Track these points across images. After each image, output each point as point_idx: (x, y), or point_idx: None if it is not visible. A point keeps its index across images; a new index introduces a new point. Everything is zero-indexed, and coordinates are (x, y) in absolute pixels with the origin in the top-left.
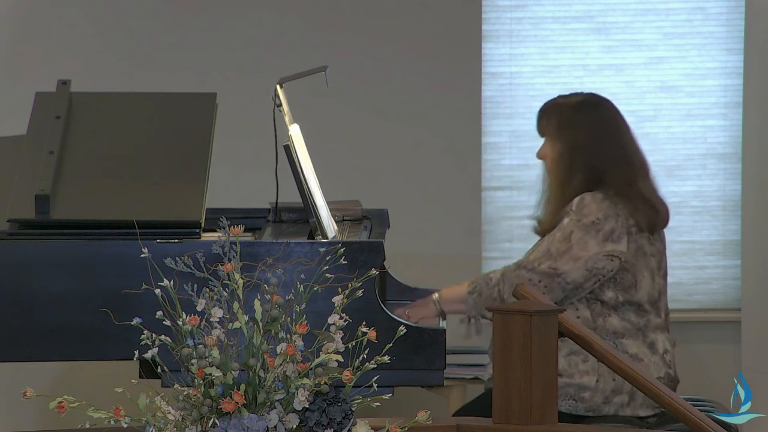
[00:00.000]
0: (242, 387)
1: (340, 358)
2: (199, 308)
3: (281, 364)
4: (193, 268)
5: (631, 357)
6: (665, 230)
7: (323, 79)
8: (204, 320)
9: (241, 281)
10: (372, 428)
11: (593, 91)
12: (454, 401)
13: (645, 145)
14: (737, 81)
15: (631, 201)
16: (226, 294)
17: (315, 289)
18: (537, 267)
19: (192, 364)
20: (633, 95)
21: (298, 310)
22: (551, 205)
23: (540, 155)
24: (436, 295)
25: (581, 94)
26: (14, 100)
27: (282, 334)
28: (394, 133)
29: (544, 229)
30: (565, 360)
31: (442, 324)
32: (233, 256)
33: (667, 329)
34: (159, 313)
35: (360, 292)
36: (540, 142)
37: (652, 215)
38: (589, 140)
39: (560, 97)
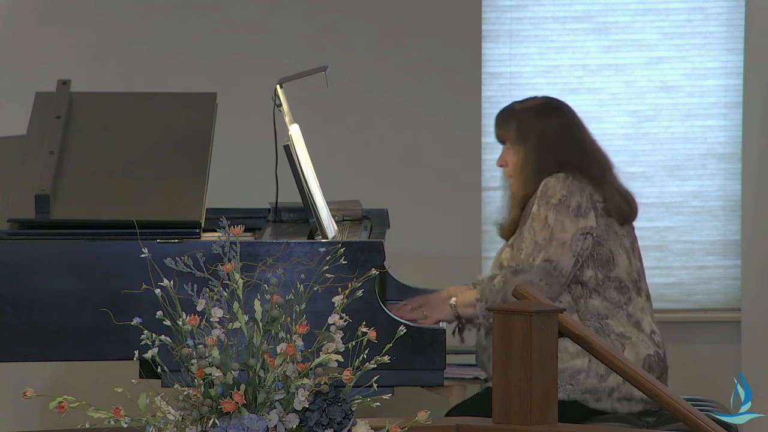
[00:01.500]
0: (242, 387)
1: (340, 358)
2: (199, 308)
3: (281, 364)
4: (193, 268)
5: (617, 336)
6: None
7: (323, 79)
8: (204, 320)
9: (241, 281)
10: (372, 428)
11: (548, 95)
12: (454, 401)
13: (645, 145)
14: (737, 81)
15: (603, 189)
16: (226, 294)
17: (315, 289)
18: (534, 264)
19: (192, 364)
20: (633, 95)
21: (298, 310)
22: (516, 208)
23: (501, 163)
24: (453, 300)
25: (538, 98)
26: (14, 100)
27: (282, 334)
28: (394, 132)
29: (509, 231)
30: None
31: (442, 324)
32: (233, 256)
33: (651, 312)
34: (159, 313)
35: (360, 292)
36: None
37: (623, 206)
38: (554, 142)
39: (516, 103)
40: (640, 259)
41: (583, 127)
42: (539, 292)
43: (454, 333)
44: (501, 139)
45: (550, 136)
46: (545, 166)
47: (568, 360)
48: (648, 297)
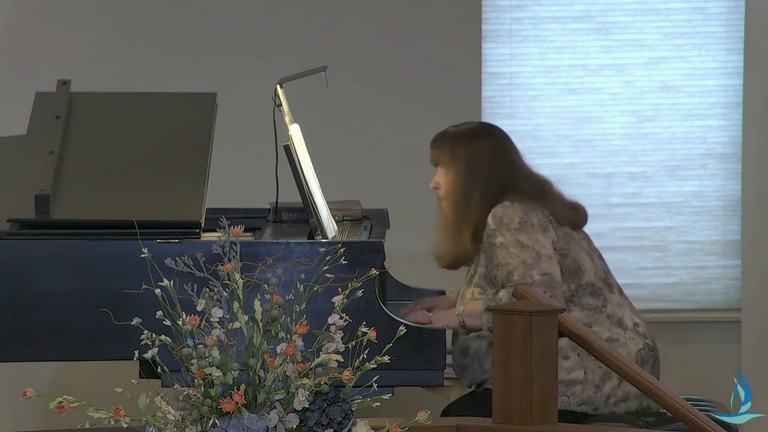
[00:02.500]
0: (242, 387)
1: (340, 358)
2: (199, 308)
3: (281, 364)
4: (193, 268)
5: (606, 341)
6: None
7: (323, 79)
8: (204, 320)
9: (241, 281)
10: (372, 428)
11: (484, 121)
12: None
13: (645, 145)
14: (737, 81)
15: (547, 202)
16: (226, 294)
17: (315, 289)
18: (534, 279)
19: (192, 364)
20: (633, 95)
21: (298, 310)
22: (451, 233)
23: (434, 185)
24: (460, 308)
25: (473, 123)
26: (14, 100)
27: (282, 334)
28: (394, 132)
29: (450, 260)
30: None
31: None
32: (233, 256)
33: (630, 305)
34: (159, 313)
35: (360, 292)
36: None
37: (571, 213)
38: (485, 162)
39: (451, 127)
40: (600, 257)
41: (515, 151)
42: None
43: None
44: (434, 161)
45: (479, 159)
46: (475, 188)
47: (563, 374)
48: (620, 291)
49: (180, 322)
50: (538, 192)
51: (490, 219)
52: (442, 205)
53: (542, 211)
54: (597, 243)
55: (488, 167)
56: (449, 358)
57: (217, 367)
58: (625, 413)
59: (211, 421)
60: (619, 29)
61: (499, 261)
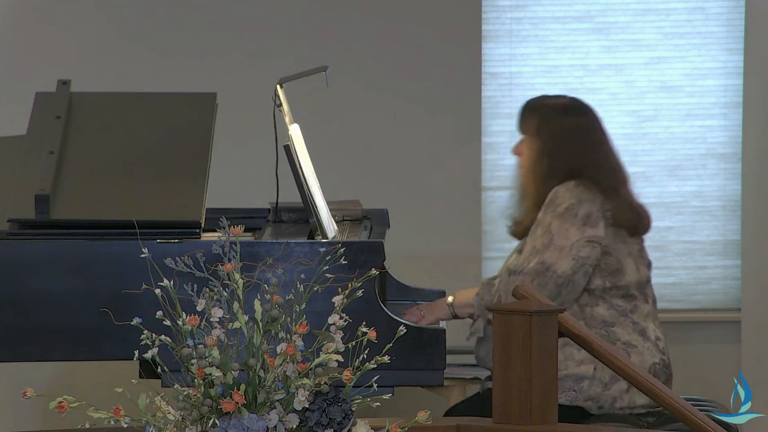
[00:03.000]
0: (242, 387)
1: (340, 358)
2: (199, 308)
3: (281, 364)
4: (193, 268)
5: (623, 344)
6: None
7: (323, 79)
8: (204, 320)
9: (241, 281)
10: (372, 428)
11: (578, 97)
12: (454, 401)
13: (645, 145)
14: (737, 81)
15: (613, 200)
16: (226, 294)
17: (315, 289)
18: (527, 267)
19: (192, 364)
20: (633, 95)
21: (298, 310)
22: (527, 203)
23: (516, 151)
24: (450, 299)
25: (566, 97)
26: (14, 100)
27: (282, 334)
28: (394, 132)
29: (520, 229)
30: (561, 352)
31: (442, 324)
32: (233, 256)
33: (656, 318)
34: (159, 313)
35: (360, 292)
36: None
37: (634, 218)
38: (570, 142)
39: (545, 96)
40: (648, 266)
41: (604, 135)
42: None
43: (468, 339)
44: (521, 129)
45: (567, 135)
46: (557, 164)
47: (573, 367)
48: (654, 302)
49: (180, 322)
50: (610, 187)
51: (551, 193)
52: (520, 173)
53: (602, 203)
54: None
55: (571, 146)
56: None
57: (217, 367)
58: (628, 414)
59: (211, 421)
60: (619, 29)
61: (528, 236)
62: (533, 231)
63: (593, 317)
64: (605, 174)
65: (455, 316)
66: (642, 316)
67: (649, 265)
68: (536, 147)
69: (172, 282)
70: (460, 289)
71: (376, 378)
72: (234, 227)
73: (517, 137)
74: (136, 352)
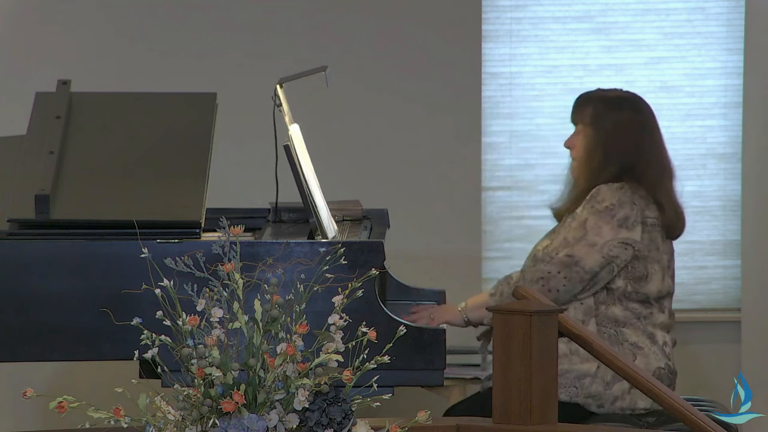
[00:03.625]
0: (242, 387)
1: (340, 358)
2: (199, 308)
3: (281, 364)
4: (193, 268)
5: (630, 345)
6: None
7: (323, 79)
8: (204, 320)
9: (241, 281)
10: (372, 428)
11: (632, 91)
12: (454, 401)
13: None
14: (737, 81)
15: (658, 200)
16: (226, 294)
17: (315, 289)
18: (555, 257)
19: (192, 364)
20: None
21: (298, 310)
22: (575, 193)
23: (568, 144)
24: (462, 304)
25: (621, 90)
26: (14, 100)
27: (282, 334)
28: (393, 132)
29: (558, 215)
30: (566, 346)
31: (443, 324)
32: (233, 256)
33: (669, 330)
34: (159, 313)
35: (360, 292)
36: (567, 132)
37: (674, 220)
38: (623, 134)
39: (600, 89)
40: (672, 278)
41: (657, 129)
42: (558, 284)
43: (479, 338)
44: (575, 120)
45: (621, 128)
46: (611, 155)
47: (577, 362)
48: (671, 315)
49: (180, 322)
50: (655, 183)
51: (594, 190)
52: (573, 166)
53: (643, 208)
54: None
55: (625, 139)
56: None
57: (217, 367)
58: (628, 406)
59: (211, 421)
60: (619, 29)
61: (562, 225)
62: (569, 223)
63: (606, 316)
64: (654, 170)
65: (468, 322)
66: (655, 324)
67: (673, 276)
68: (591, 137)
69: (172, 282)
70: (459, 289)
71: (376, 378)
72: (234, 227)
73: (519, 137)
74: (136, 352)
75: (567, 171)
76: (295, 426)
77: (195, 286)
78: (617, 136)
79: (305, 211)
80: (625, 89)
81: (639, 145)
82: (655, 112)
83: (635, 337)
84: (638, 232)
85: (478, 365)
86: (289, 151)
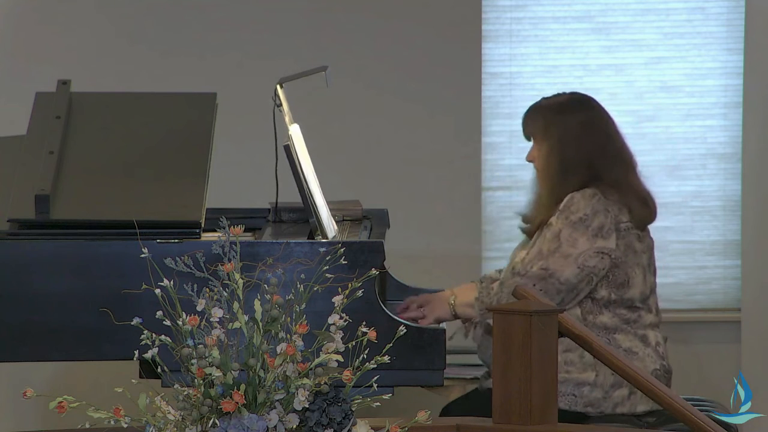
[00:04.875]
0: (242, 387)
1: (340, 358)
2: (199, 308)
3: (281, 364)
4: (193, 268)
5: (624, 351)
6: (651, 226)
7: (323, 79)
8: (204, 320)
9: (241, 281)
10: (372, 428)
11: (577, 90)
12: None
13: (645, 145)
14: (737, 81)
15: (626, 196)
16: (226, 294)
17: (315, 289)
18: (530, 270)
19: (192, 364)
20: (633, 95)
21: (298, 310)
22: (542, 205)
23: (529, 158)
24: (452, 299)
25: (565, 94)
26: (14, 100)
27: (282, 334)
28: (393, 132)
29: (531, 228)
30: (561, 357)
31: (443, 324)
32: (233, 256)
33: (658, 326)
34: (159, 313)
35: (360, 292)
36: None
37: (644, 211)
38: (576, 137)
39: (543, 99)
40: (654, 273)
41: (609, 122)
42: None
43: (466, 335)
44: (527, 134)
45: (573, 130)
46: (568, 160)
47: (575, 372)
48: (657, 311)
49: (180, 322)
50: (620, 177)
51: (566, 198)
52: (538, 178)
53: (617, 214)
54: None
55: (580, 140)
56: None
57: (217, 367)
58: (628, 412)
59: (211, 421)
60: (619, 29)
61: (537, 237)
62: (543, 234)
63: (595, 324)
64: (614, 163)
65: (455, 316)
66: (644, 325)
67: (654, 272)
68: (546, 147)
69: (172, 282)
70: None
71: (376, 378)
72: (234, 227)
73: (519, 137)
74: (136, 352)
75: (533, 185)
76: (295, 426)
77: (195, 286)
78: (569, 141)
79: (305, 211)
80: (570, 91)
81: (593, 146)
82: (603, 106)
83: (628, 342)
84: (613, 240)
85: (479, 365)
86: (289, 151)
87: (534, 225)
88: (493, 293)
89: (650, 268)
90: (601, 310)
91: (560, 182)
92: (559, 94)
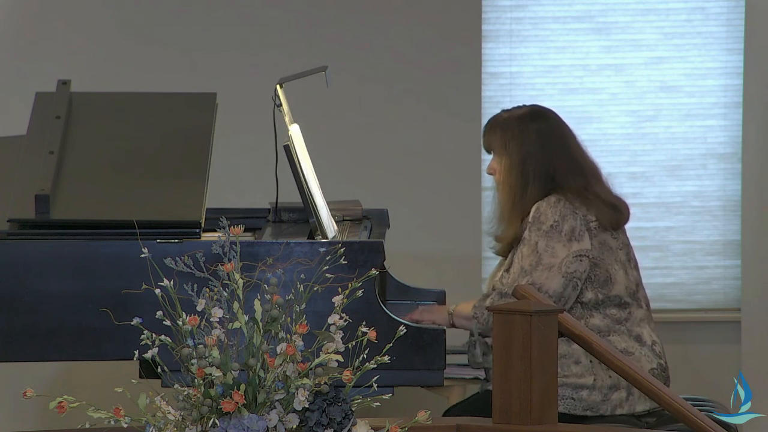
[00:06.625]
0: (242, 387)
1: (340, 358)
2: (199, 308)
3: (281, 364)
4: (193, 268)
5: (621, 352)
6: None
7: (323, 79)
8: (204, 320)
9: (241, 281)
10: (372, 428)
11: (536, 103)
12: (454, 401)
13: (645, 145)
14: (737, 81)
15: (590, 203)
16: (226, 294)
17: (315, 289)
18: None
19: (192, 364)
20: (633, 95)
21: (298, 310)
22: (506, 220)
23: (489, 171)
24: (452, 308)
25: (525, 106)
26: (14, 100)
27: (282, 334)
28: (394, 133)
29: (504, 246)
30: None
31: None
32: (233, 256)
33: (651, 320)
34: (159, 313)
35: (360, 292)
36: None
37: (613, 214)
38: (535, 149)
39: (503, 111)
40: (636, 268)
41: (569, 135)
42: None
43: (469, 348)
44: (487, 148)
45: (532, 143)
46: (527, 177)
47: (573, 378)
48: (647, 305)
49: (180, 322)
50: (582, 187)
51: (533, 210)
52: (498, 190)
53: (585, 214)
54: None
55: (539, 152)
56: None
57: (217, 367)
58: (627, 413)
59: (211, 421)
60: (619, 29)
61: (515, 254)
62: (519, 250)
63: (588, 328)
64: (576, 173)
65: (453, 326)
66: (636, 322)
67: (636, 266)
68: (506, 161)
69: (172, 282)
70: (459, 289)
71: (376, 378)
72: (234, 227)
73: None
74: (136, 352)
75: (494, 197)
76: (295, 426)
77: (195, 286)
78: (528, 153)
79: (305, 211)
80: (529, 104)
81: (552, 155)
82: (564, 118)
83: (623, 343)
84: (587, 240)
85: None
86: (289, 151)
87: (506, 243)
88: (486, 316)
89: (630, 263)
90: (592, 313)
91: (521, 195)
92: (518, 107)
